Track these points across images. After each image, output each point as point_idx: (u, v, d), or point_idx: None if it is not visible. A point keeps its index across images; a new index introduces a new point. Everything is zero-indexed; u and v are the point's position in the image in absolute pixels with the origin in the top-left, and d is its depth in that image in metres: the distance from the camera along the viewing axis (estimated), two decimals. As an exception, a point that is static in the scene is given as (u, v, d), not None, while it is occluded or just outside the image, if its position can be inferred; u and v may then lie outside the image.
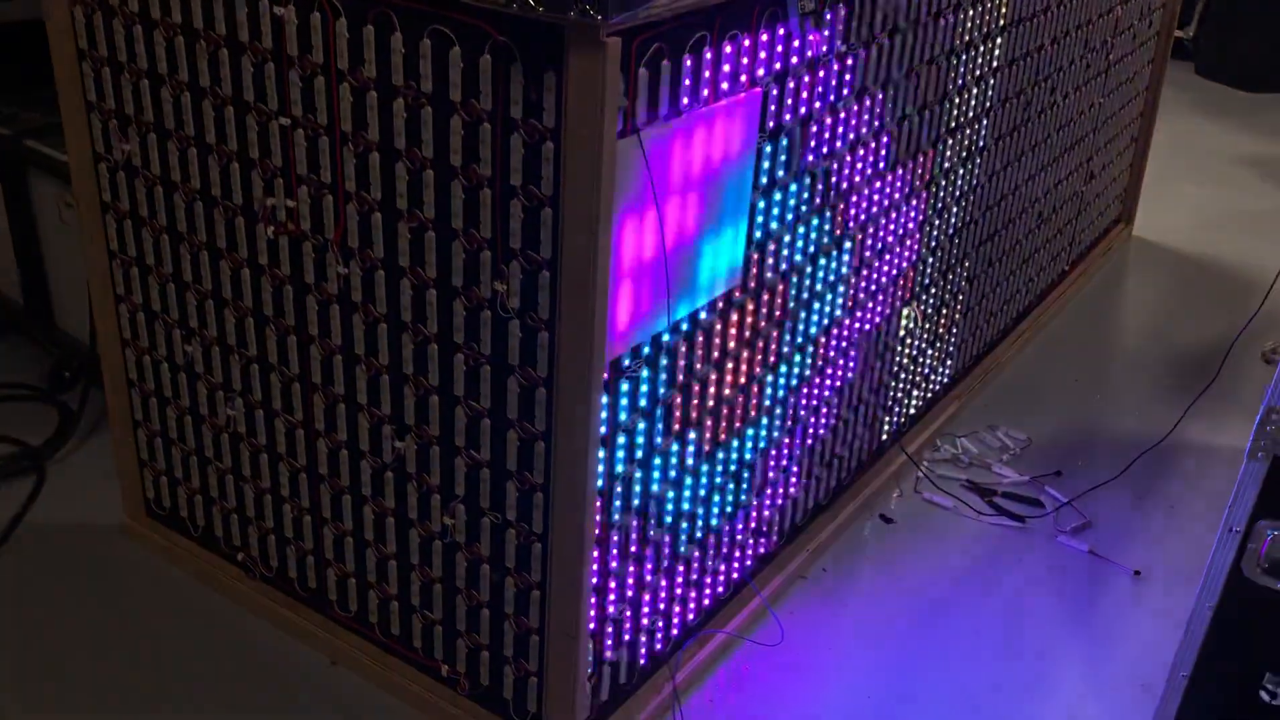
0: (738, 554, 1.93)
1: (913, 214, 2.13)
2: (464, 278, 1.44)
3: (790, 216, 1.72)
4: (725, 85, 1.45)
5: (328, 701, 1.80)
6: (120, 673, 1.82)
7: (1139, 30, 3.15)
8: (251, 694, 1.80)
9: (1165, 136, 3.86)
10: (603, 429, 1.46)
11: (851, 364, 2.08)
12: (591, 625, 1.59)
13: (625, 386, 1.48)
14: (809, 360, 1.93)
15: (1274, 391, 1.42)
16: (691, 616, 1.86)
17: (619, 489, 1.55)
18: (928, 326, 2.39)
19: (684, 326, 1.56)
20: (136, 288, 1.85)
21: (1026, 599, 2.12)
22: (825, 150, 1.75)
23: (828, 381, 2.02)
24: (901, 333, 2.27)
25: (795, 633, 1.99)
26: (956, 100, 2.15)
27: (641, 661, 1.77)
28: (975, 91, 2.22)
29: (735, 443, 1.80)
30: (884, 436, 2.36)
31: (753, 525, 1.95)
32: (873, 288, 2.07)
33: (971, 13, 2.08)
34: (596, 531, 1.53)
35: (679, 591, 1.80)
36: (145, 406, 1.96)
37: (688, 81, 1.38)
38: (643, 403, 1.53)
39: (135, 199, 1.77)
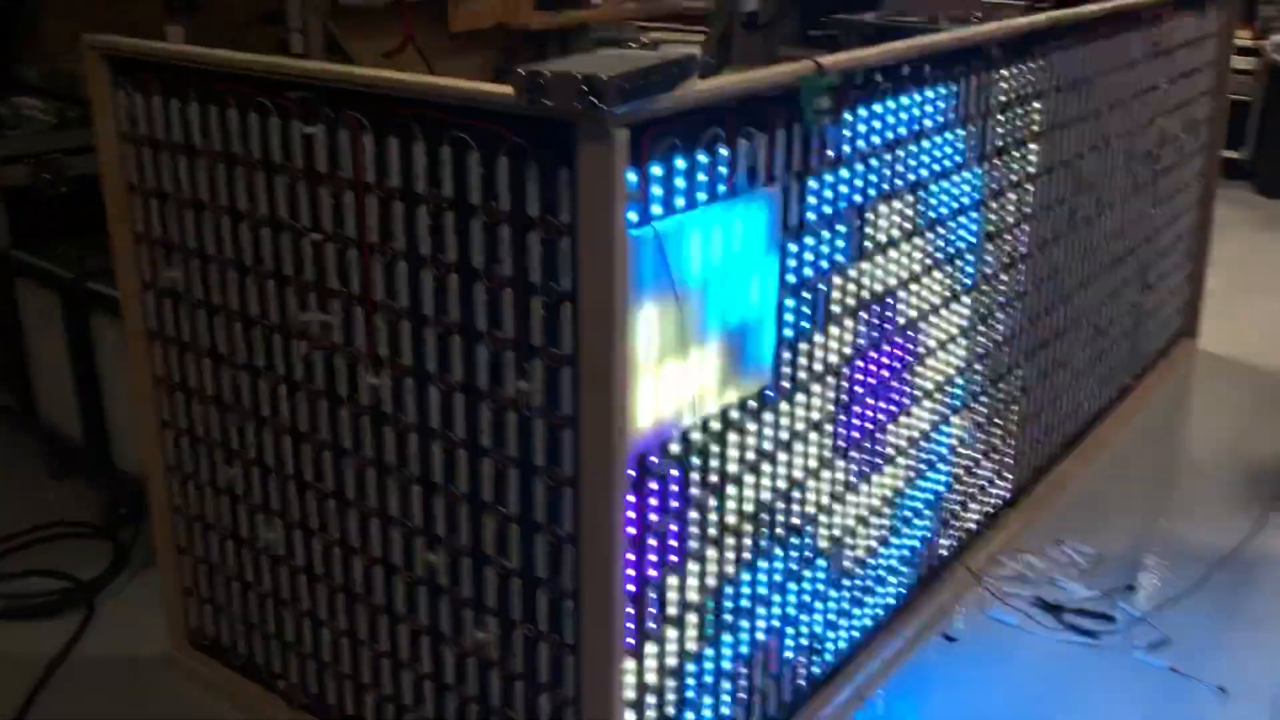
0: (788, 674, 1.85)
1: (955, 318, 2.10)
2: (489, 379, 1.44)
3: (821, 318, 1.71)
4: (744, 181, 1.46)
5: (363, 833, 1.73)
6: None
7: (1186, 143, 3.14)
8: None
9: (1230, 253, 3.80)
10: (632, 530, 1.43)
11: (900, 471, 2.03)
12: (629, 744, 1.53)
13: (655, 485, 1.45)
14: (853, 466, 1.88)
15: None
16: (741, 743, 1.77)
17: (653, 595, 1.51)
18: (981, 437, 2.33)
19: (715, 425, 1.54)
20: (181, 413, 1.88)
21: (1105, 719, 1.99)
22: (856, 252, 1.74)
23: (874, 490, 1.96)
24: (953, 441, 2.21)
25: (854, 758, 1.88)
26: (994, 204, 2.14)
27: (688, 788, 1.68)
28: (1013, 197, 2.21)
29: (779, 551, 1.75)
30: (943, 552, 2.28)
31: (804, 643, 1.87)
32: (917, 393, 2.03)
33: (1001, 118, 2.09)
34: (631, 641, 1.48)
35: (725, 711, 1.72)
36: (189, 533, 1.97)
37: (704, 176, 1.39)
38: (674, 503, 1.49)
39: (179, 325, 1.82)
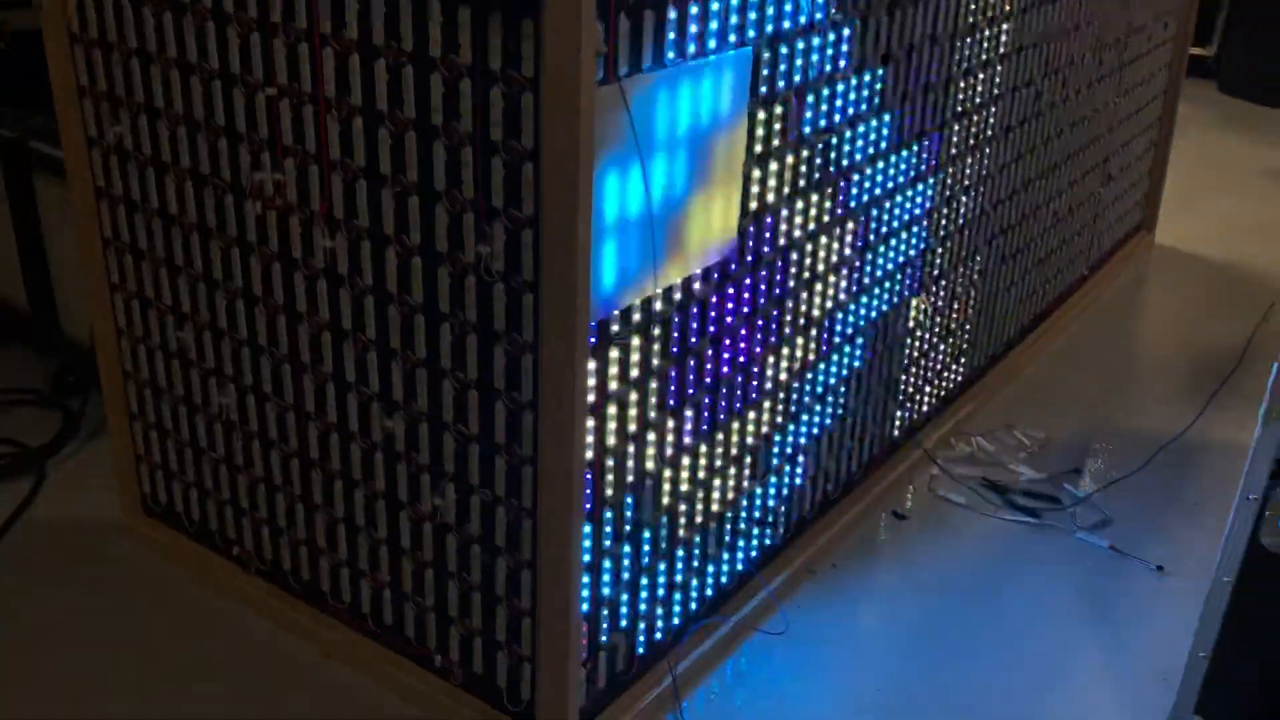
0: (741, 543, 1.88)
1: (920, 200, 2.09)
2: (449, 242, 1.42)
3: (787, 190, 1.69)
4: (713, 43, 1.43)
5: (319, 696, 1.75)
6: (111, 667, 1.79)
7: (1154, 32, 3.11)
8: (244, 689, 1.76)
9: (1189, 149, 3.81)
10: (591, 397, 1.42)
11: (858, 352, 2.03)
12: (585, 607, 1.54)
13: (615, 354, 1.44)
14: (812, 344, 1.89)
15: (1288, 350, 1.36)
16: (694, 606, 1.80)
17: (610, 463, 1.51)
18: (940, 320, 2.34)
19: (677, 296, 1.52)
20: (130, 275, 1.84)
21: (1043, 595, 2.05)
22: (823, 124, 1.72)
23: (833, 369, 1.97)
24: (911, 324, 2.22)
25: (803, 628, 1.92)
26: (961, 84, 2.11)
27: (640, 650, 1.71)
28: (981, 77, 2.18)
29: (735, 425, 1.76)
30: (896, 433, 2.31)
31: (756, 515, 1.89)
32: (879, 274, 2.03)
33: (975, -5, 2.05)
34: (588, 507, 1.49)
35: (679, 578, 1.74)
36: (140, 399, 1.94)
37: (673, 35, 1.35)
38: (634, 372, 1.49)
39: (127, 183, 1.76)
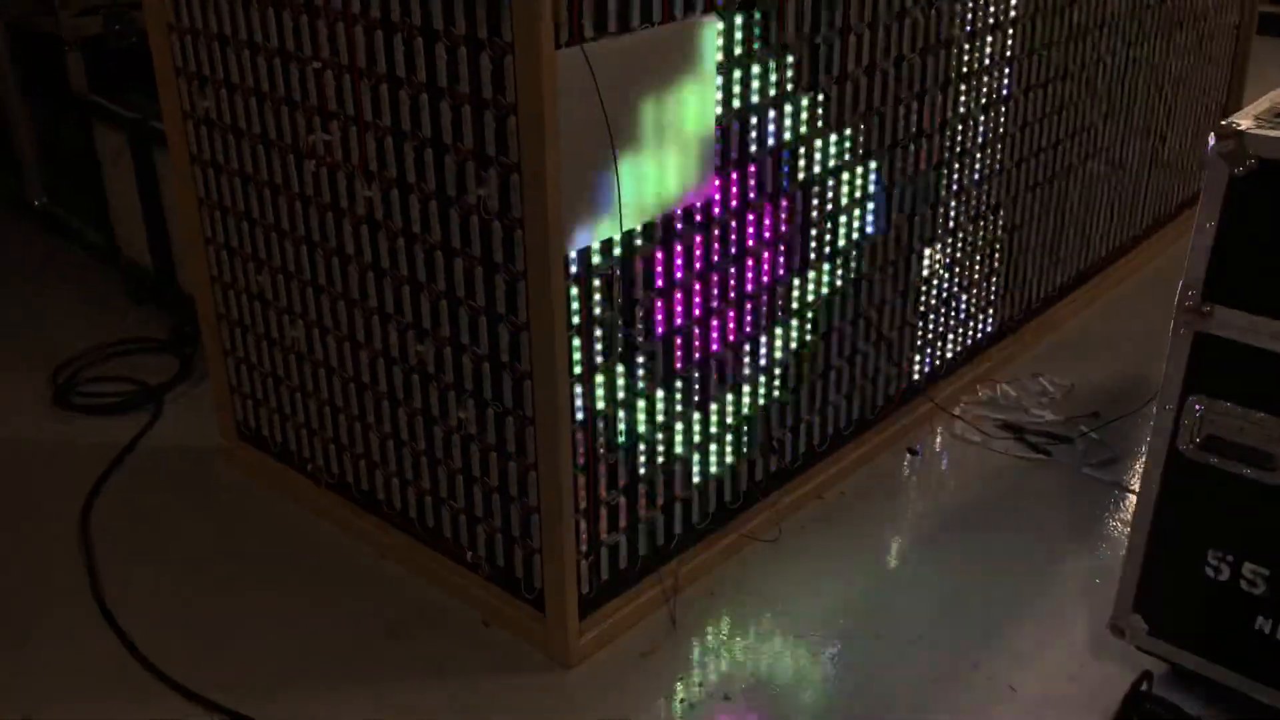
0: (746, 465, 2.08)
1: (923, 154, 2.25)
2: (456, 187, 1.67)
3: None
4: (679, 12, 1.64)
5: (377, 591, 2.04)
6: (207, 566, 2.11)
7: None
8: (314, 585, 2.06)
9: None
10: (576, 319, 1.66)
11: (863, 295, 2.21)
12: (582, 504, 1.78)
13: (598, 281, 1.67)
14: (826, 278, 2.08)
15: (1190, 268, 1.50)
16: (697, 518, 2.02)
17: (600, 379, 1.74)
18: (958, 271, 2.48)
19: (657, 233, 1.74)
20: (219, 229, 2.16)
21: (1039, 522, 2.19)
22: (823, 73, 1.91)
23: (838, 309, 2.15)
24: (925, 273, 2.37)
25: (800, 541, 2.12)
26: (966, 46, 2.26)
27: (643, 552, 1.94)
28: (992, 39, 2.32)
29: (731, 356, 1.97)
30: (915, 377, 2.47)
31: (760, 440, 2.10)
32: (881, 221, 2.20)
33: (974, -38, 2.19)
34: (580, 416, 1.72)
35: (680, 491, 1.96)
36: (232, 337, 2.26)
37: (638, 2, 1.57)
38: (619, 299, 1.71)
39: (214, 149, 2.08)
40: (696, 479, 1.99)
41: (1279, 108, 1.51)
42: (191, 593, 2.04)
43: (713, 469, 2.02)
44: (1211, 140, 1.44)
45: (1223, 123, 1.44)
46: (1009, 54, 2.39)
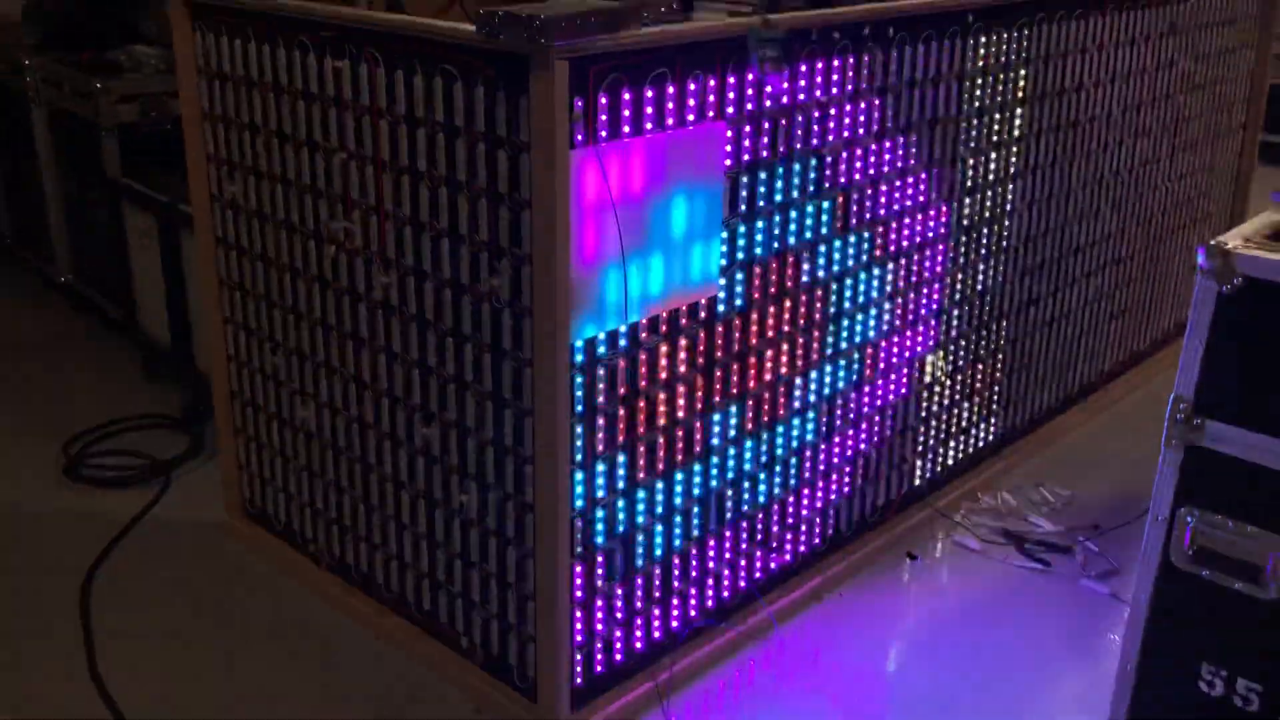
0: (744, 562, 2.10)
1: (930, 263, 2.30)
2: (470, 275, 1.73)
3: (774, 246, 1.94)
4: (692, 117, 1.71)
5: (372, 675, 2.04)
6: (206, 642, 2.12)
7: (1217, 121, 3.24)
8: (310, 665, 2.06)
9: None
10: (579, 408, 1.69)
11: (867, 399, 2.24)
12: (579, 594, 1.80)
13: (603, 371, 1.72)
14: (825, 379, 2.11)
15: (1181, 382, 1.54)
16: (694, 614, 2.03)
17: (601, 468, 1.77)
18: (960, 379, 2.52)
19: (662, 328, 1.79)
20: (238, 309, 2.22)
21: (1037, 633, 2.18)
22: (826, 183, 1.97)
23: (838, 411, 2.19)
24: (927, 378, 2.41)
25: (798, 646, 2.12)
26: (971, 162, 2.33)
27: (640, 647, 1.94)
28: (996, 156, 2.40)
29: (732, 450, 2.00)
30: (916, 481, 2.49)
31: (760, 537, 2.11)
32: (884, 328, 2.24)
33: (981, 81, 2.28)
34: (580, 504, 1.75)
35: (676, 585, 1.97)
36: (244, 415, 2.31)
37: (650, 110, 1.64)
38: (622, 390, 1.75)
39: (238, 232, 2.15)
40: (694, 573, 2.00)
41: (1266, 229, 1.56)
42: (185, 667, 2.05)
43: (710, 564, 2.03)
44: (1200, 258, 1.49)
45: (1211, 242, 1.49)
46: (1013, 170, 2.47)
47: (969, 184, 2.35)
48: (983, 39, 2.25)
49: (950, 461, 2.58)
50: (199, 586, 2.27)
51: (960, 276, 2.42)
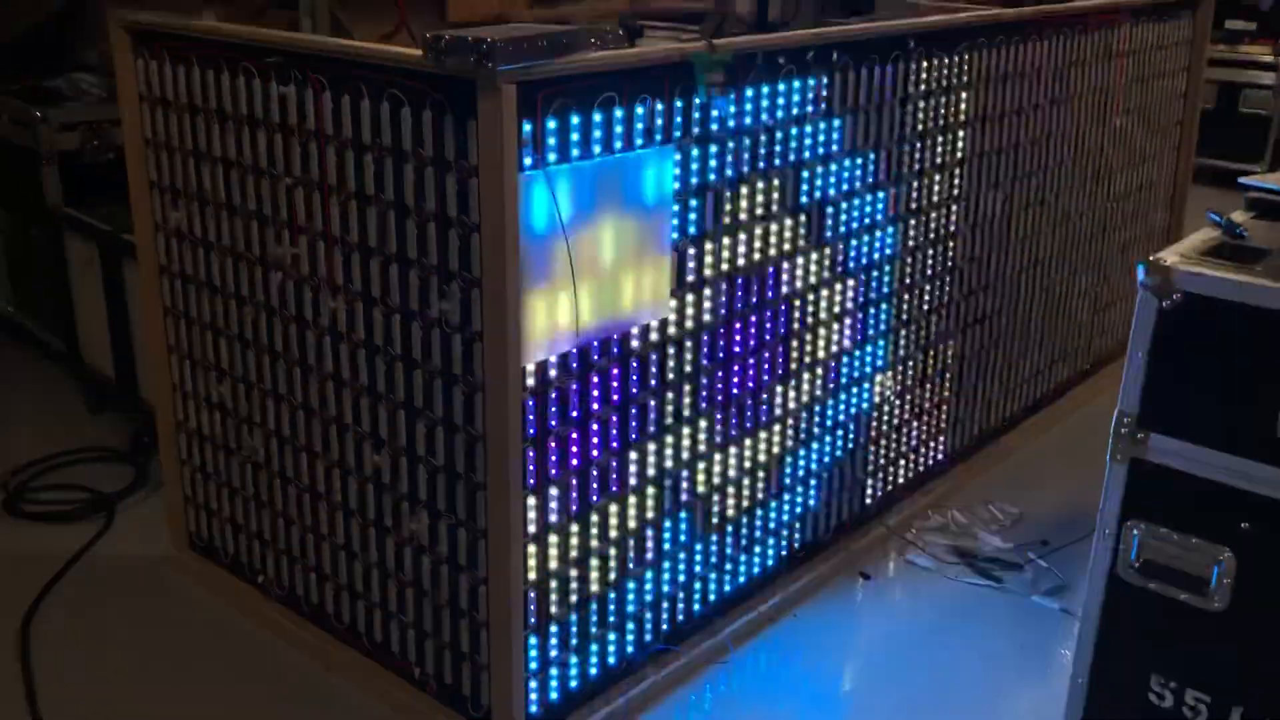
0: (698, 586, 2.09)
1: (877, 283, 2.33)
2: (419, 301, 1.71)
3: (723, 268, 1.95)
4: (640, 141, 1.72)
5: (322, 707, 2.00)
6: (151, 675, 2.08)
7: (1152, 144, 3.32)
8: (258, 698, 2.02)
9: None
10: (532, 431, 1.69)
11: (819, 419, 2.26)
12: (533, 620, 1.78)
13: (554, 394, 1.71)
14: (777, 399, 2.12)
15: (1124, 397, 1.56)
16: (649, 637, 2.02)
17: (555, 493, 1.76)
18: (909, 398, 2.54)
19: (614, 350, 1.79)
20: (183, 338, 2.18)
21: (988, 648, 2.20)
22: (775, 205, 1.99)
23: (789, 431, 2.20)
24: (876, 398, 2.43)
25: (755, 667, 2.12)
26: (914, 184, 2.36)
27: (595, 672, 1.93)
28: (939, 178, 2.43)
29: (685, 473, 1.99)
30: (868, 500, 2.50)
31: (714, 560, 2.11)
32: (834, 348, 2.26)
33: (923, 104, 2.31)
34: (533, 529, 1.74)
35: (631, 609, 1.96)
36: (189, 445, 2.27)
37: (599, 133, 1.65)
38: (574, 413, 1.75)
39: (182, 260, 2.12)
40: (649, 597, 1.99)
41: (1202, 246, 1.59)
42: (130, 705, 2.00)
43: (665, 588, 2.02)
44: (1140, 274, 1.52)
45: (1151, 258, 1.51)
46: (956, 192, 2.50)
47: (914, 205, 2.38)
48: (924, 63, 2.29)
49: (900, 480, 2.59)
50: (144, 623, 2.22)
51: (907, 296, 2.44)
